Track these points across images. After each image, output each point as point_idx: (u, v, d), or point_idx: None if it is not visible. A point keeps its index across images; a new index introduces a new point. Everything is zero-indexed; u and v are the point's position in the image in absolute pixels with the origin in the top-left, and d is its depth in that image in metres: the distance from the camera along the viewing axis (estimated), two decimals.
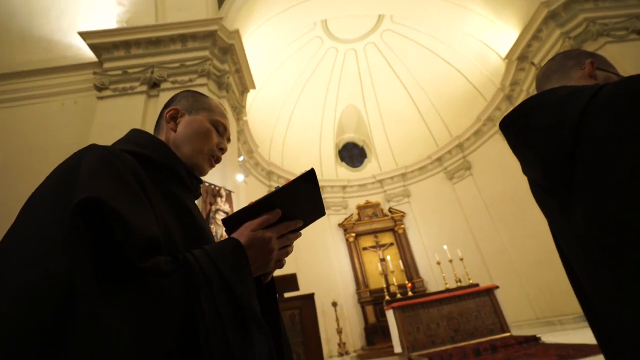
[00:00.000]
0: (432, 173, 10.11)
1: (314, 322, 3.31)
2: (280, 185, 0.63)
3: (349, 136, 11.39)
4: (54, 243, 0.43)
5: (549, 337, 4.99)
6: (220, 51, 5.37)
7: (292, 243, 0.69)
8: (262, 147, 9.07)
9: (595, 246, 0.65)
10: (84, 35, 5.07)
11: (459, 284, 6.34)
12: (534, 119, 0.79)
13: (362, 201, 10.27)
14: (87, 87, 5.24)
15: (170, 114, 0.81)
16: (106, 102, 4.92)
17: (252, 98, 8.46)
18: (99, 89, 4.99)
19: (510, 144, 0.87)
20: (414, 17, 8.51)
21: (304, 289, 3.82)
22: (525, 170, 0.87)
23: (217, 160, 0.84)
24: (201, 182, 0.83)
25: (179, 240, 0.61)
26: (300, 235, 0.70)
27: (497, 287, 5.71)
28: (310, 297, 3.43)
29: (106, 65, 5.13)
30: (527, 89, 7.25)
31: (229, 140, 0.88)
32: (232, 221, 0.65)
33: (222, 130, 0.85)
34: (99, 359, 0.38)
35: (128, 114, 4.66)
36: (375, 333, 8.01)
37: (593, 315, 0.77)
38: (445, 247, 6.92)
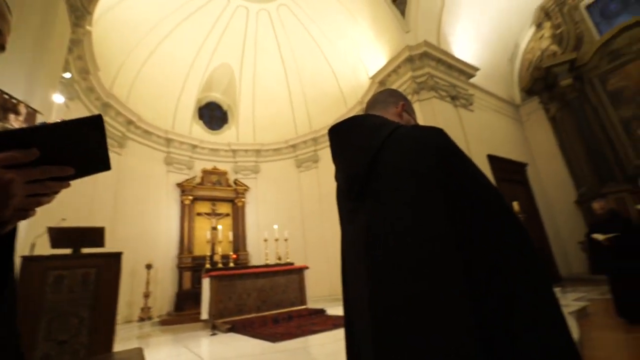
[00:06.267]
0: (284, 157, 10.62)
1: (114, 284, 2.92)
2: (47, 122, 0.49)
3: (215, 95, 10.58)
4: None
5: (334, 311, 6.08)
6: None
7: (52, 192, 0.55)
8: (105, 71, 7.28)
9: (362, 244, 0.81)
10: None
11: (278, 261, 6.95)
12: (355, 136, 0.92)
13: (209, 166, 9.78)
14: None
15: None
16: None
17: (106, 7, 6.66)
18: None
19: (333, 150, 0.99)
20: (312, 4, 8.65)
21: (114, 246, 3.39)
22: (336, 176, 1.01)
23: None
24: None
25: None
26: (68, 185, 0.57)
27: (307, 267, 6.58)
28: (115, 256, 3.00)
29: None
30: None
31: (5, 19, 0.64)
32: None
33: None
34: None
35: None
36: (187, 299, 7.84)
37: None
38: (275, 226, 7.43)
